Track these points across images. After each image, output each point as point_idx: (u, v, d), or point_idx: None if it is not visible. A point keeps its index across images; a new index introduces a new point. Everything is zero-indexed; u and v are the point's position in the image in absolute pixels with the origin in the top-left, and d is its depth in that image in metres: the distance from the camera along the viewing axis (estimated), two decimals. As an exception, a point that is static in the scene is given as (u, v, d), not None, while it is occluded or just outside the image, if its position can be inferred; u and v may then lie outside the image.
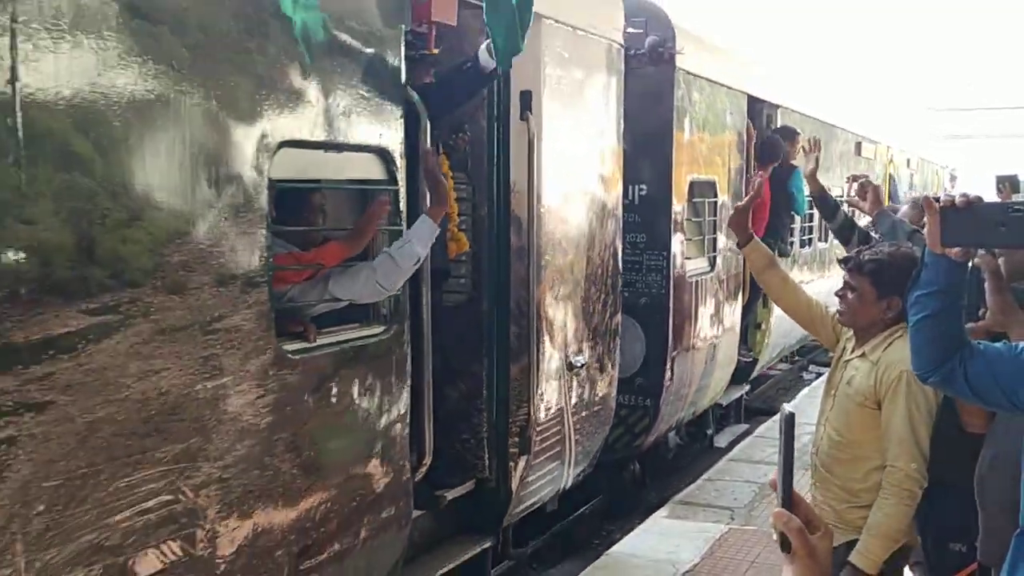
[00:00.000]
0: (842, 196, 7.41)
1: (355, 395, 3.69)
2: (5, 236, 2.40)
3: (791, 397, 10.89)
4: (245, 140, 3.12)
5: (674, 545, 6.11)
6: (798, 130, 8.90)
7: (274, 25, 3.26)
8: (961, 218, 2.38)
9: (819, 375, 11.83)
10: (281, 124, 3.27)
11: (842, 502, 3.50)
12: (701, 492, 7.28)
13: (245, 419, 3.16)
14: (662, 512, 6.83)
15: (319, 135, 3.48)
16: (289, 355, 3.35)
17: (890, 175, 17.16)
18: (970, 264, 2.64)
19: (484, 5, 3.90)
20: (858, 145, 13.91)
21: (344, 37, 3.60)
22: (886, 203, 6.81)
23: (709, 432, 8.75)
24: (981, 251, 2.71)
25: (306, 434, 3.44)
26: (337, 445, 3.63)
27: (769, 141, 8.53)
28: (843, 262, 3.64)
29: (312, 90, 3.43)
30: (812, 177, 5.45)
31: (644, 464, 7.55)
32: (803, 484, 5.59)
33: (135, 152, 2.74)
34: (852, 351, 3.56)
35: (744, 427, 9.47)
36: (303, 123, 3.39)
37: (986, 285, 2.87)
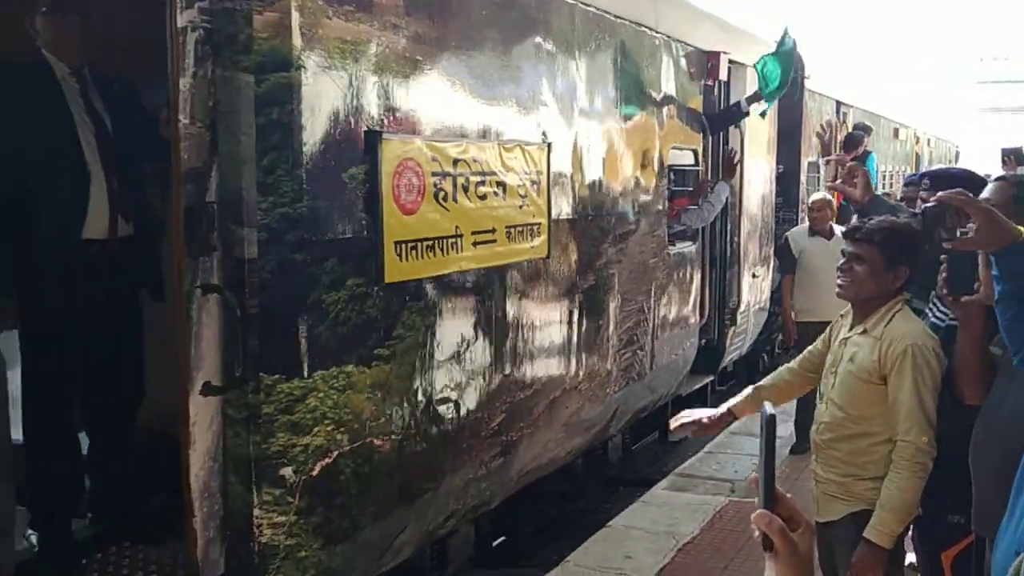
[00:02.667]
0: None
1: (687, 275, 7.18)
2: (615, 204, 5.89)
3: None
4: (663, 145, 6.59)
5: (674, 517, 6.15)
6: (871, 126, 12.33)
7: (668, 88, 6.70)
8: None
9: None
10: (671, 136, 6.73)
11: (847, 476, 3.50)
12: (702, 465, 7.37)
13: (662, 280, 6.65)
14: (662, 484, 6.95)
15: (679, 142, 6.94)
16: (670, 251, 6.83)
17: (916, 153, 20.86)
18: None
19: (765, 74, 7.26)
20: (895, 131, 17.43)
21: (684, 89, 7.03)
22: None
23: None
24: (972, 224, 2.70)
25: (674, 291, 6.93)
26: (682, 299, 7.12)
27: (851, 136, 11.95)
28: (850, 233, 3.57)
29: (676, 119, 6.87)
30: None
31: (771, 357, 11.04)
32: (798, 466, 6.57)
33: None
34: (851, 329, 3.56)
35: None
36: (675, 136, 6.84)
37: (979, 259, 2.82)
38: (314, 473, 3.55)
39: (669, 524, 6.02)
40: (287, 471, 3.47)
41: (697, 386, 8.27)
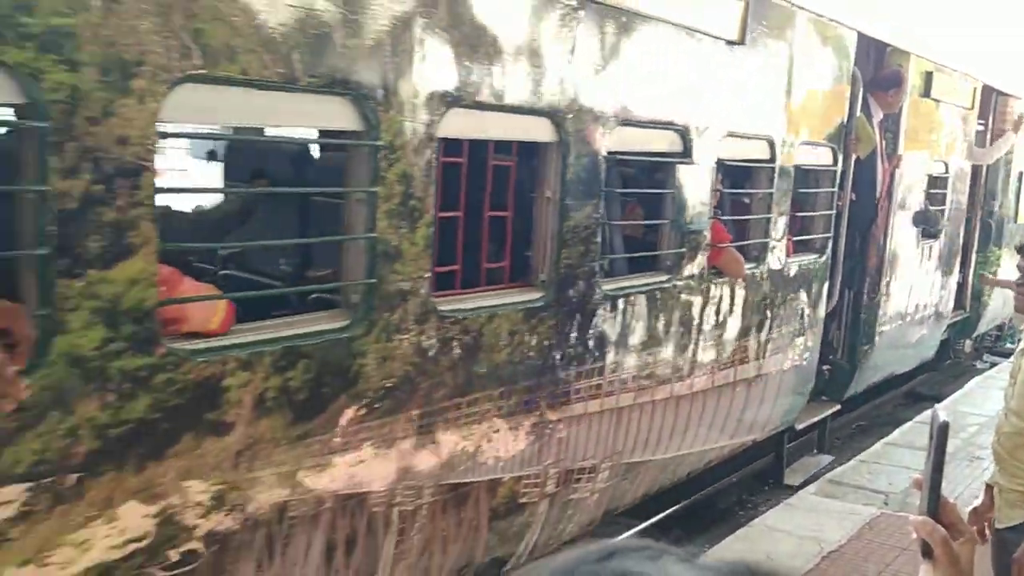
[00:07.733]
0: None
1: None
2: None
3: (960, 385, 11.13)
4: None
5: (820, 523, 5.98)
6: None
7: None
8: None
9: (993, 364, 12.59)
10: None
11: None
12: (854, 473, 7.14)
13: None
14: (810, 489, 6.77)
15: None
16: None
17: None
18: None
19: None
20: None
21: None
22: None
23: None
24: None
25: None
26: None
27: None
28: (1020, 248, 3.68)
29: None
30: None
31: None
32: (964, 476, 6.75)
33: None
34: None
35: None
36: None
37: None
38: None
39: (814, 530, 5.90)
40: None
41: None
